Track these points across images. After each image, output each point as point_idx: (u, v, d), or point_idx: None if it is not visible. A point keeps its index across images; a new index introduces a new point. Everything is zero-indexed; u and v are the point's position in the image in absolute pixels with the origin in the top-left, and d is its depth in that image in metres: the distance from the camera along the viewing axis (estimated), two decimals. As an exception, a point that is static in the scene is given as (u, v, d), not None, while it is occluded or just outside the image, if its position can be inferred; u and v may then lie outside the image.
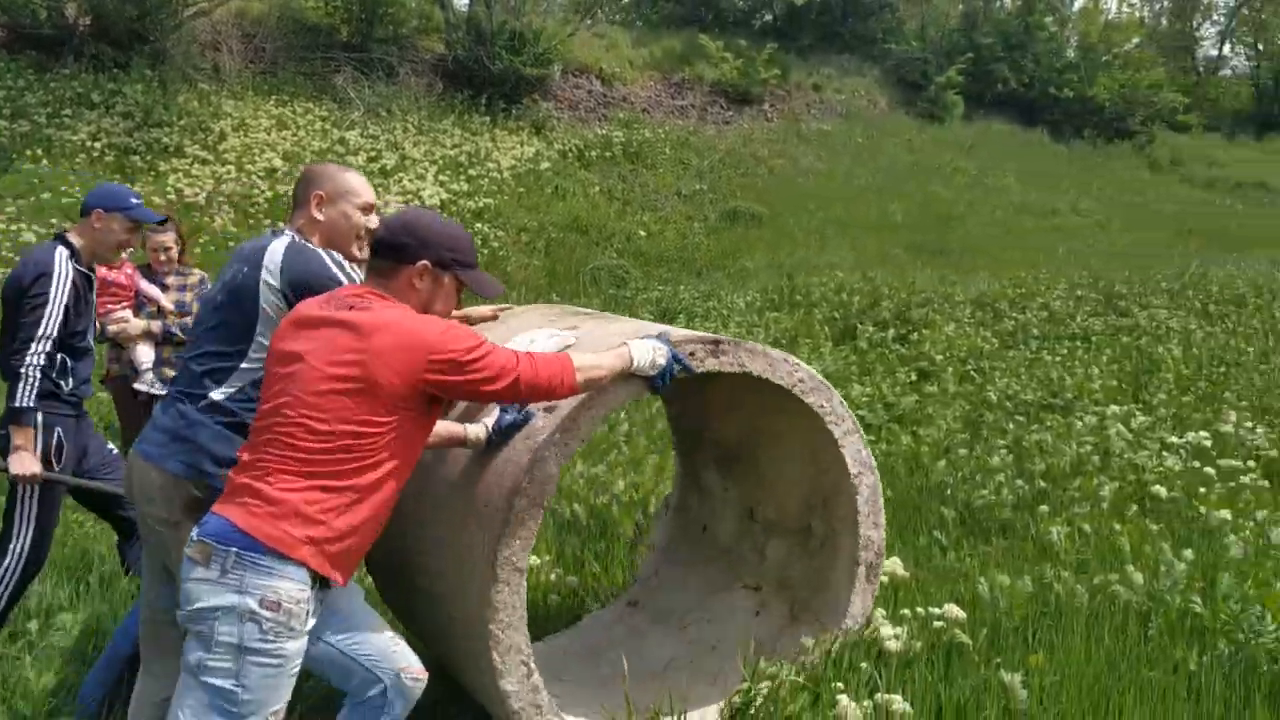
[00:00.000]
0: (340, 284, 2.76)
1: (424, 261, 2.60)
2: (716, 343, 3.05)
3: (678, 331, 3.10)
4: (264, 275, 2.79)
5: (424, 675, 2.64)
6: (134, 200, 4.01)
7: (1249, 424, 6.89)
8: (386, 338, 2.41)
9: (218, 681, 2.31)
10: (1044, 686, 3.27)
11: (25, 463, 3.72)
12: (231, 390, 2.78)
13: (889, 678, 3.25)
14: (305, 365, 2.42)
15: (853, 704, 3.03)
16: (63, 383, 3.89)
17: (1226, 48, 39.11)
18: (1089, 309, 11.51)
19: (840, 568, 3.49)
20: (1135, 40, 34.80)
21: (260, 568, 2.30)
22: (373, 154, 17.90)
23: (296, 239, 2.90)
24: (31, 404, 3.73)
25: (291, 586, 2.33)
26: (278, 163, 16.43)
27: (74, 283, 3.85)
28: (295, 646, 2.37)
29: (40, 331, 3.74)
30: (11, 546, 3.83)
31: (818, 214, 20.94)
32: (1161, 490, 5.49)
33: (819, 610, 3.54)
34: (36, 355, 3.73)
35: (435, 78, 21.95)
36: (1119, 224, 23.59)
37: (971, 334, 10.49)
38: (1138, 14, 36.85)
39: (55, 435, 3.88)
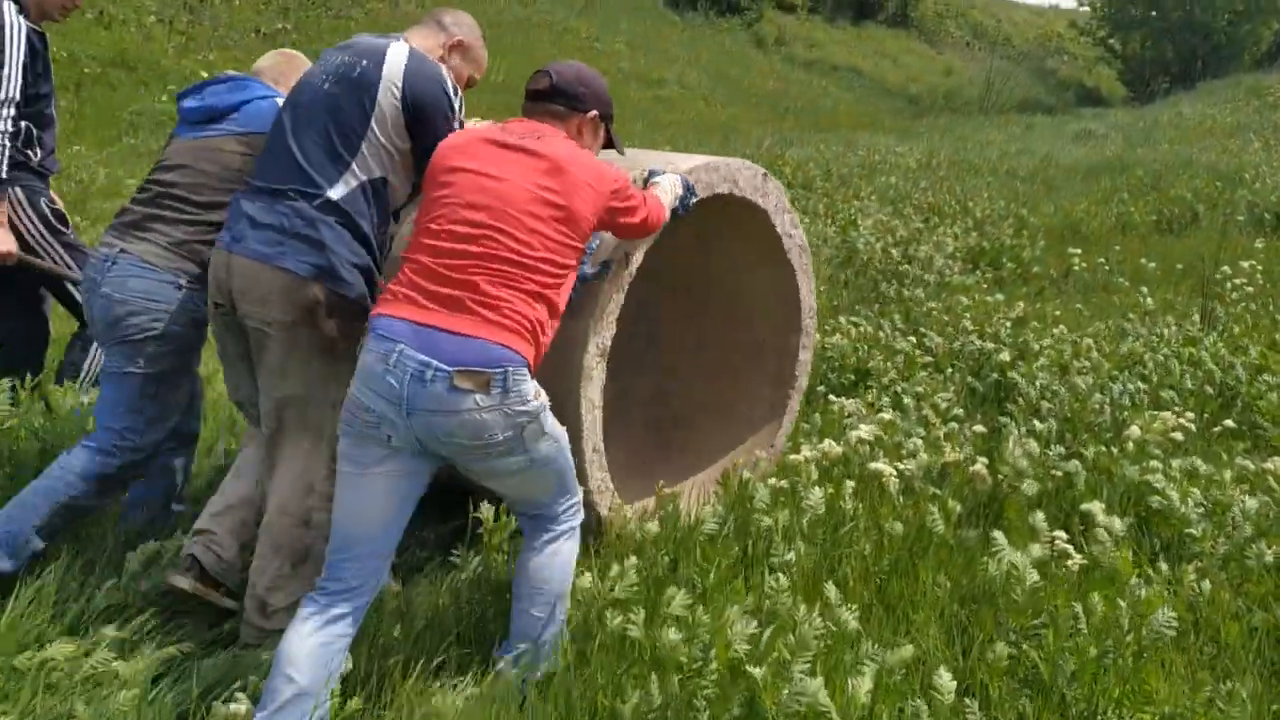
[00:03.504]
0: (453, 108, 2.82)
1: (594, 113, 2.82)
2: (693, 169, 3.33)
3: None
4: (386, 76, 2.75)
5: None
6: None
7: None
8: (579, 171, 2.58)
9: (553, 461, 2.59)
10: None
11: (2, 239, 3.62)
12: (345, 190, 2.72)
13: None
14: (509, 186, 2.52)
15: None
16: (30, 153, 3.77)
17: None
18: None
19: None
20: (750, -86, 34.97)
21: (523, 376, 2.44)
22: None
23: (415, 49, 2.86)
24: (5, 175, 3.57)
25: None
26: None
27: (29, 39, 3.62)
28: None
29: (2, 95, 3.56)
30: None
31: (414, 66, 19.15)
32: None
33: None
34: (4, 121, 3.56)
35: None
36: (722, 99, 23.67)
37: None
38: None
39: (41, 205, 3.83)
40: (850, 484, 3.65)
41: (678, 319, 4.49)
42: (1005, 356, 5.56)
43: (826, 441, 4.18)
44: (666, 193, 3.00)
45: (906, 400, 5.01)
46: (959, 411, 4.87)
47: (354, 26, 20.73)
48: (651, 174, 3.08)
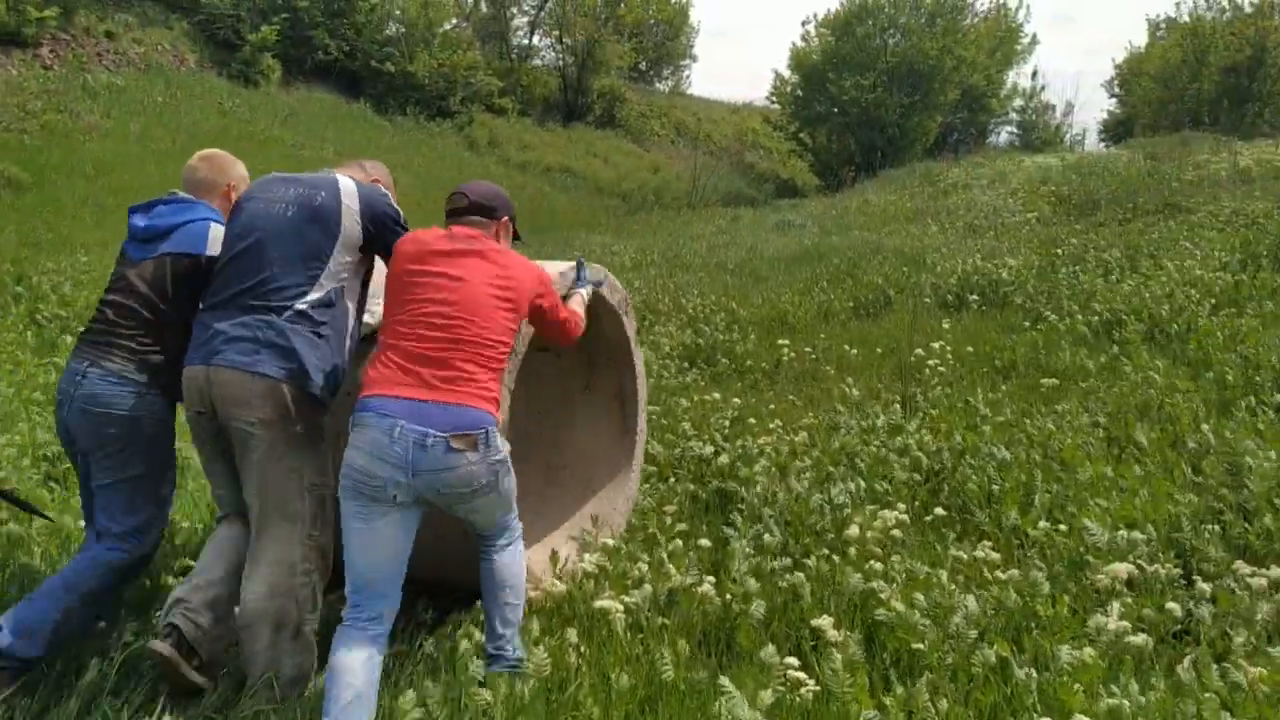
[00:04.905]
0: (398, 214, 3.41)
1: (507, 218, 3.43)
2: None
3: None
4: (345, 202, 3.30)
5: None
6: None
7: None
8: (520, 268, 3.26)
9: (512, 491, 3.21)
10: None
11: None
12: (312, 301, 3.16)
13: None
14: (471, 285, 3.11)
15: None
16: None
17: (536, 38, 41.55)
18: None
19: None
20: (454, 21, 35.41)
21: (496, 434, 3.05)
22: None
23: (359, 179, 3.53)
24: None
25: None
26: None
27: None
28: None
29: None
30: None
31: (98, 181, 17.76)
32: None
33: None
34: None
35: None
36: (436, 203, 23.40)
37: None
38: (457, -4, 37.40)
39: None
40: (573, 632, 3.37)
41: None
42: (725, 460, 5.50)
43: (550, 580, 3.90)
44: (582, 305, 3.85)
45: (631, 519, 4.82)
46: (684, 526, 4.73)
47: (25, 142, 19.10)
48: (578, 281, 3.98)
